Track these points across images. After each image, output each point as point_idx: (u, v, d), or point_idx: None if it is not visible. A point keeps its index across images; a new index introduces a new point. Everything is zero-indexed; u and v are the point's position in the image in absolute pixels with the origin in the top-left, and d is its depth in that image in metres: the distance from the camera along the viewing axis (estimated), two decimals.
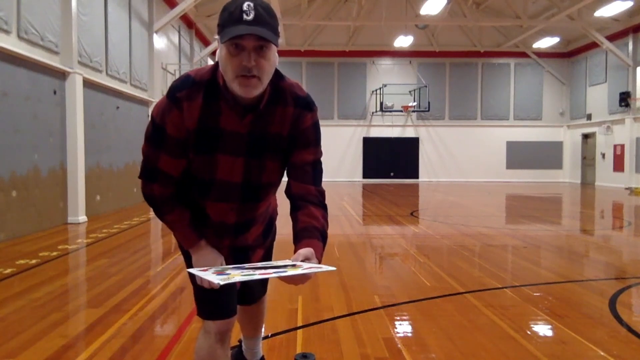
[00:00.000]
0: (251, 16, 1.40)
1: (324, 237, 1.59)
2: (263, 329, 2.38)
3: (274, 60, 1.50)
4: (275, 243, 2.13)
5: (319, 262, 1.51)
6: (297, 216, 1.62)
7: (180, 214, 1.68)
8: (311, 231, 1.57)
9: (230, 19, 1.42)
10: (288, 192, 1.68)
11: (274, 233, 2.06)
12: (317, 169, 1.69)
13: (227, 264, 1.76)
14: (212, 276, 1.31)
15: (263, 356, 2.48)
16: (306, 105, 1.64)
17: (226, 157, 1.61)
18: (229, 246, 1.81)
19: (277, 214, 2.07)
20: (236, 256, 1.83)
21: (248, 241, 1.86)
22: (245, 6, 1.40)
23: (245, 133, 1.59)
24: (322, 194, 1.68)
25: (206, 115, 1.55)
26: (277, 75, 1.60)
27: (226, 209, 1.73)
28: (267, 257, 2.00)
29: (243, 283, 1.92)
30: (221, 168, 1.63)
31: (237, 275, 1.34)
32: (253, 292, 2.12)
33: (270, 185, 1.74)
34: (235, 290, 1.84)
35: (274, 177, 1.71)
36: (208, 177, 1.65)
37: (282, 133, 1.62)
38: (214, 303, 1.75)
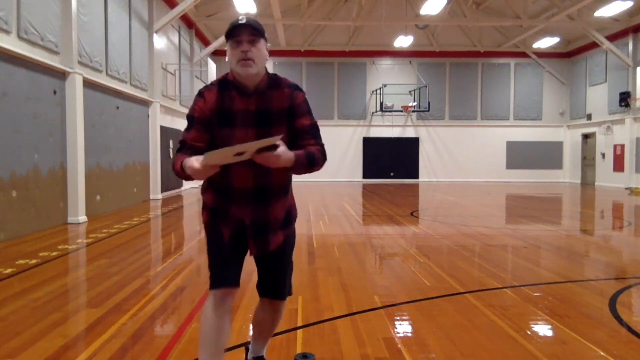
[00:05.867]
0: (244, 21, 2.08)
1: (309, 156, 2.11)
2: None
3: (264, 52, 2.12)
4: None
5: (293, 163, 2.03)
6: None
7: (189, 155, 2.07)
8: (302, 149, 2.13)
9: (231, 25, 2.09)
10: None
11: (293, 231, 2.36)
12: (314, 129, 2.23)
13: (248, 238, 2.19)
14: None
15: (263, 356, 2.52)
16: (297, 87, 2.24)
17: (241, 130, 2.14)
18: (251, 219, 2.18)
19: (296, 213, 2.40)
20: (257, 231, 2.19)
21: (268, 217, 2.20)
22: (240, 17, 2.11)
23: (253, 110, 2.14)
24: (321, 145, 2.20)
25: (222, 101, 2.15)
26: (273, 74, 2.23)
27: (244, 173, 2.13)
28: (286, 244, 2.30)
29: (275, 280, 2.32)
30: (237, 138, 2.10)
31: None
32: (282, 290, 2.36)
33: None
34: (238, 269, 2.21)
35: None
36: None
37: (283, 106, 2.17)
38: (223, 273, 2.17)
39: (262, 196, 2.17)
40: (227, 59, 2.13)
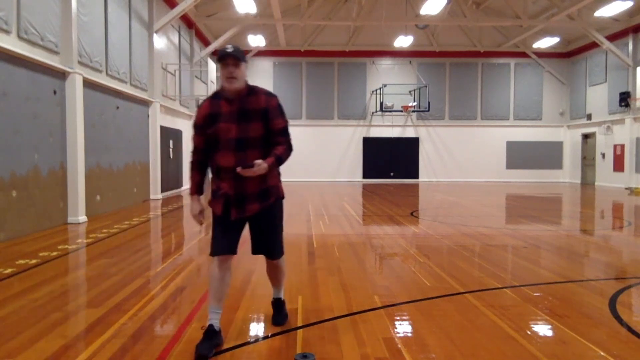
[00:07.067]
0: (230, 49, 2.90)
1: (278, 158, 2.94)
2: (283, 284, 3.41)
3: (244, 71, 2.95)
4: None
5: (268, 166, 2.86)
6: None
7: (195, 174, 3.12)
8: (271, 154, 2.94)
9: (220, 53, 2.91)
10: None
11: (272, 204, 3.06)
12: (284, 130, 3.03)
13: (231, 206, 2.95)
14: None
15: (280, 298, 3.35)
16: (270, 94, 3.06)
17: (224, 124, 2.94)
18: (234, 190, 2.94)
19: (280, 192, 3.13)
20: (238, 200, 2.96)
21: (247, 190, 2.95)
22: (227, 46, 2.93)
23: (235, 111, 2.95)
24: (287, 141, 3.03)
25: (213, 107, 2.99)
26: (252, 85, 3.02)
27: (228, 155, 2.94)
28: (266, 214, 3.04)
29: (262, 243, 3.11)
30: (221, 130, 2.94)
31: None
32: (272, 252, 3.17)
33: (255, 139, 2.93)
34: (233, 240, 2.99)
35: (257, 134, 2.94)
36: (218, 138, 2.94)
37: (259, 107, 2.96)
38: (220, 244, 2.99)
39: (241, 175, 2.86)
40: (217, 75, 2.71)
